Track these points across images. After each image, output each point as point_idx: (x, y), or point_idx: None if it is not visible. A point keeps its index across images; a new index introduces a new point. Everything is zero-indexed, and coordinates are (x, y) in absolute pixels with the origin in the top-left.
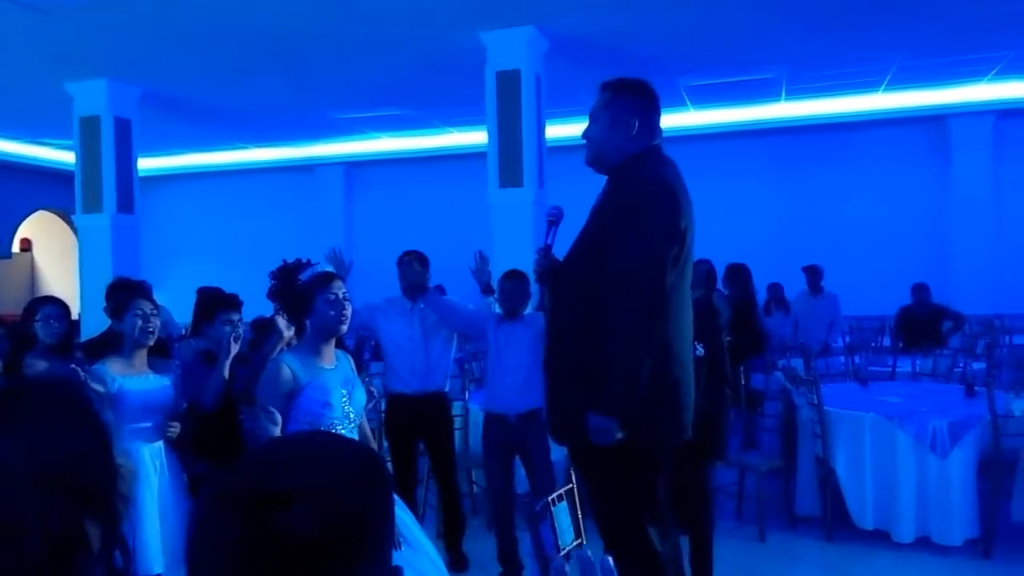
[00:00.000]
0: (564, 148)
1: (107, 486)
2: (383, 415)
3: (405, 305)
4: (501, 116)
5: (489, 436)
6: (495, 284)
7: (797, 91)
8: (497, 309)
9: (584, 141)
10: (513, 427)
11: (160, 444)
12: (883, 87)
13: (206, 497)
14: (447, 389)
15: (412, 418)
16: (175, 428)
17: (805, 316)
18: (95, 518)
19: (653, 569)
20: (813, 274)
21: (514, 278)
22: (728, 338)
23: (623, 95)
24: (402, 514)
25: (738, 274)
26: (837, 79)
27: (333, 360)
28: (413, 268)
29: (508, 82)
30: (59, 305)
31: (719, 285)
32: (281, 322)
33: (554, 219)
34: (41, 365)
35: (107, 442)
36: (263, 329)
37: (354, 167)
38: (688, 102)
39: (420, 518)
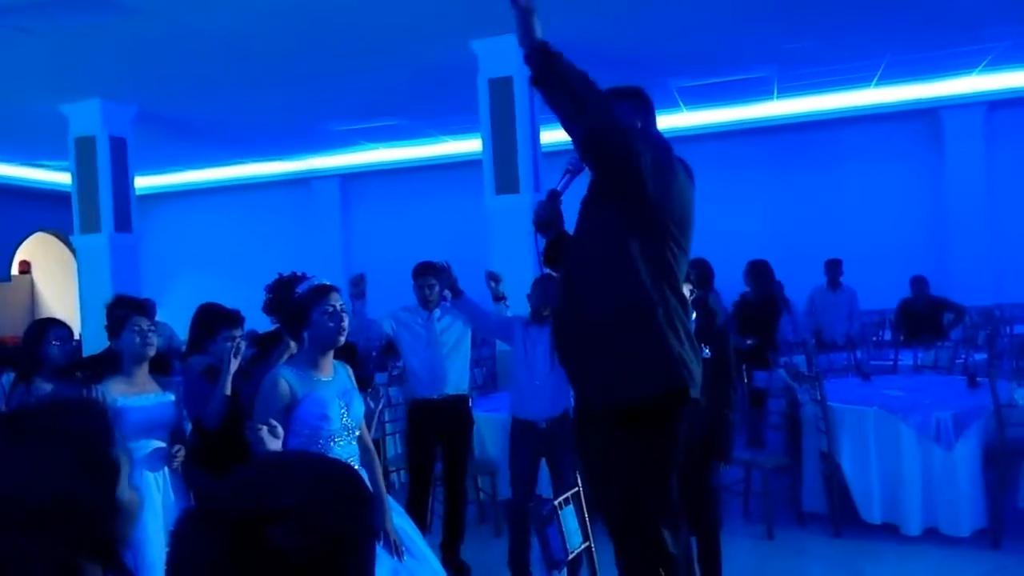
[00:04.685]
0: (559, 153)
1: (107, 527)
2: (391, 425)
3: (422, 314)
4: (495, 123)
5: (517, 442)
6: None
7: (789, 89)
8: (508, 314)
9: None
10: (542, 433)
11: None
12: (874, 82)
13: (187, 516)
14: (467, 392)
15: (436, 423)
16: (180, 455)
17: (825, 311)
18: (94, 557)
19: (667, 571)
20: (833, 269)
21: (543, 282)
22: (749, 342)
23: (620, 101)
24: (404, 524)
25: (761, 271)
26: (828, 75)
27: (331, 372)
28: (430, 285)
29: (501, 89)
30: (66, 328)
31: (743, 282)
32: None
33: (572, 168)
34: (46, 388)
35: (109, 481)
36: (262, 344)
37: (350, 179)
38: (680, 103)
39: (428, 527)
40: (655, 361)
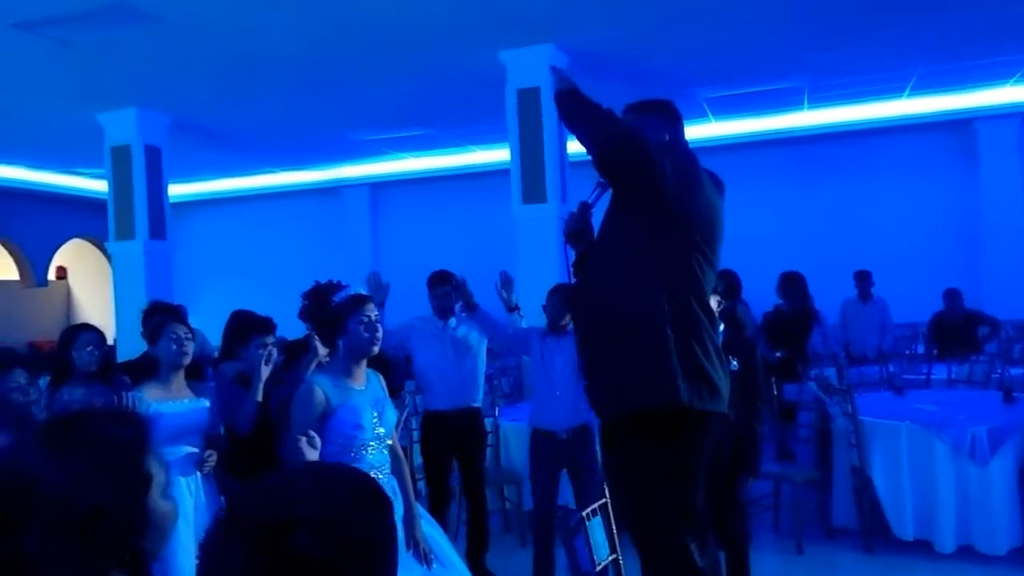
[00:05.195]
0: (586, 163)
1: (136, 537)
2: (418, 433)
3: (437, 324)
4: (523, 133)
5: (537, 452)
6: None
7: (820, 99)
8: (523, 325)
9: None
10: (562, 443)
11: (197, 472)
12: (907, 92)
13: (215, 526)
14: (480, 404)
15: (449, 434)
16: (212, 460)
17: (855, 323)
18: (121, 566)
19: None
20: (863, 280)
21: (558, 292)
22: (778, 354)
23: (647, 115)
24: (433, 532)
25: (795, 283)
26: (860, 86)
27: (364, 381)
28: (445, 292)
29: (529, 100)
30: (97, 333)
31: (773, 293)
32: (317, 340)
33: (604, 181)
34: (78, 393)
35: (140, 491)
36: (293, 351)
37: (379, 187)
38: (709, 113)
39: (453, 535)
40: (653, 374)
